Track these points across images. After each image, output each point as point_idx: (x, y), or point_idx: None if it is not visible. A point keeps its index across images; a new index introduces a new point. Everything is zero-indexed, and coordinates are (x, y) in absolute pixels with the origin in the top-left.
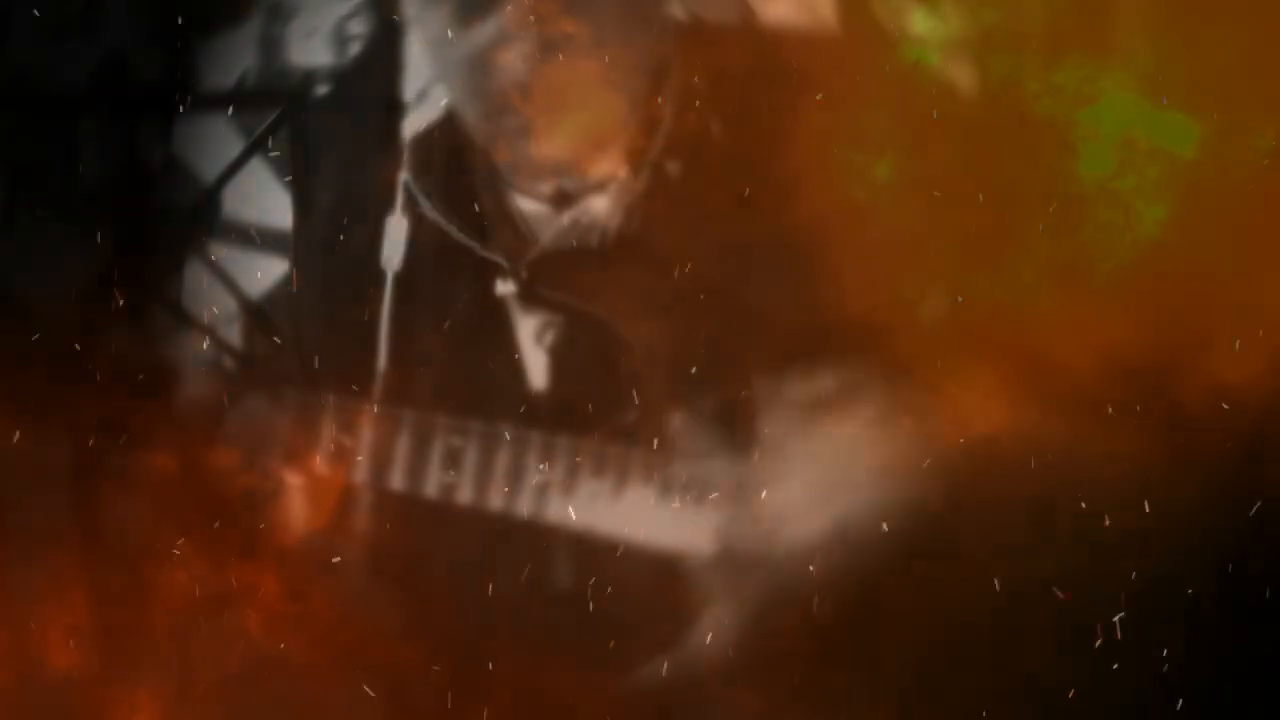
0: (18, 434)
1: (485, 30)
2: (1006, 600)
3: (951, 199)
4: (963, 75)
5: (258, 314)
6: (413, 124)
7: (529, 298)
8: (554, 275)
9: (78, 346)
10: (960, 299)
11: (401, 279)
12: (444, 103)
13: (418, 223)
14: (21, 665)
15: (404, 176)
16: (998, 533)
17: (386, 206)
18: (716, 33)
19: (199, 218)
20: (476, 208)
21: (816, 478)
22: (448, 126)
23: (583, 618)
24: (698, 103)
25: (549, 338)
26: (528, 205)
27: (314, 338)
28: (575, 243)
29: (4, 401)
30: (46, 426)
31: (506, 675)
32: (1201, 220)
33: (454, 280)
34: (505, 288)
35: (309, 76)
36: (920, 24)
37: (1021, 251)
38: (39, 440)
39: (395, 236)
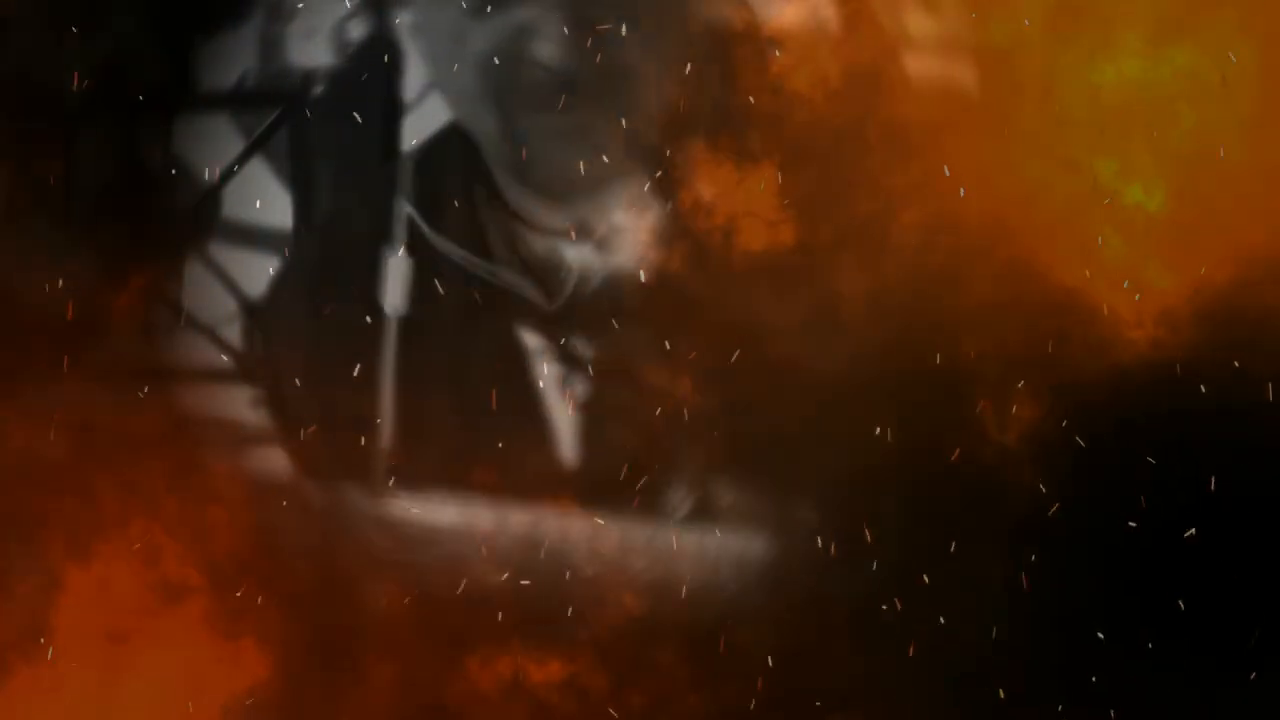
0: (18, 431)
1: (511, 19)
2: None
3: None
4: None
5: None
6: (413, 146)
7: (551, 348)
8: (576, 324)
9: (78, 346)
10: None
11: (405, 322)
12: (446, 119)
13: (422, 260)
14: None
15: (406, 209)
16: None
17: (386, 241)
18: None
19: (199, 218)
20: (487, 249)
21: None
22: (452, 151)
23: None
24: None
25: (575, 391)
26: (544, 244)
27: (304, 379)
28: (597, 286)
29: (4, 400)
30: (46, 425)
31: None
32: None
33: (464, 323)
34: (526, 336)
35: (309, 76)
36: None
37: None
38: (39, 438)
39: (397, 275)
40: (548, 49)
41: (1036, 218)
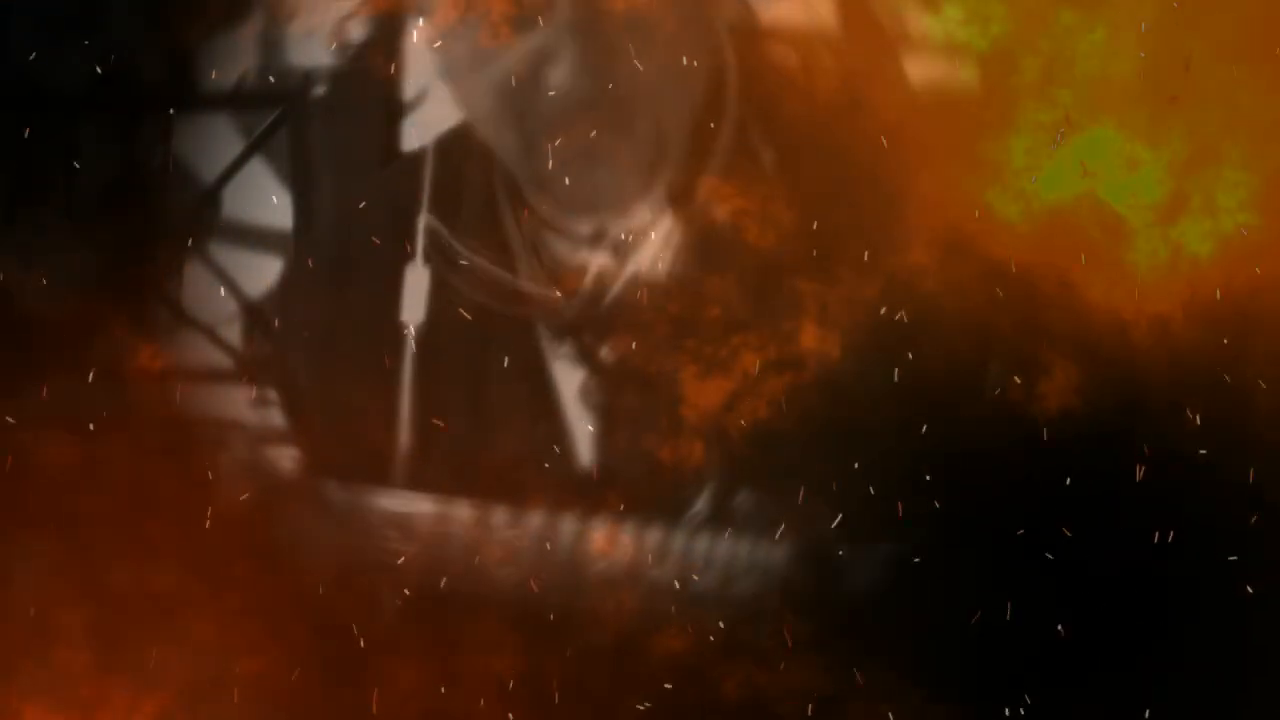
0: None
1: (526, 44)
2: None
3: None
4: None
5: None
6: (427, 144)
7: (574, 355)
8: (600, 330)
9: (78, 346)
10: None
11: (425, 335)
12: (457, 118)
13: (442, 271)
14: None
15: (426, 219)
16: None
17: (405, 252)
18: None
19: (199, 218)
20: (506, 251)
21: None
22: (472, 160)
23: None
24: (752, 136)
25: (596, 399)
26: (565, 248)
27: (322, 394)
28: (620, 292)
29: (3, 400)
30: (45, 424)
31: None
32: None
33: (486, 334)
34: (547, 343)
35: (309, 76)
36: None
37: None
38: (38, 438)
39: (417, 287)
40: (562, 74)
41: (1036, 219)
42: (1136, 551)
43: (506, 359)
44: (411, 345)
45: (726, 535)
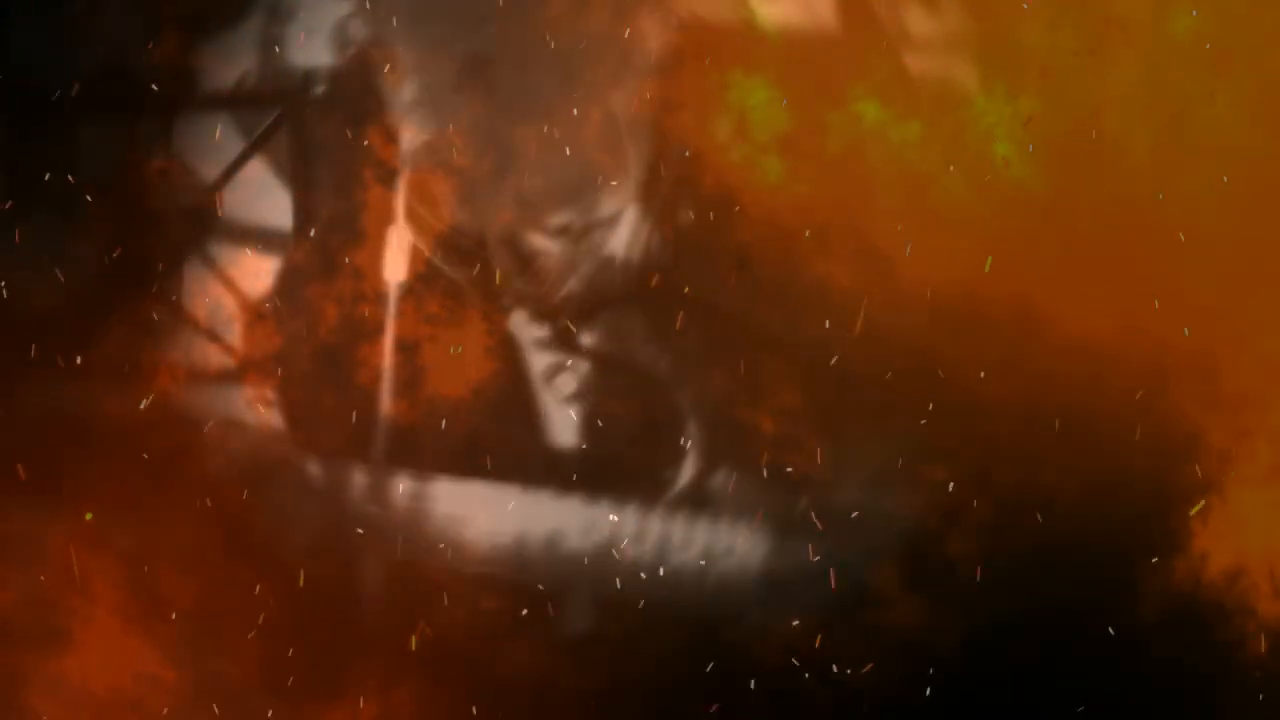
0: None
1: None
2: None
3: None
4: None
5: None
6: (409, 145)
7: (546, 336)
8: (571, 315)
9: (78, 346)
10: None
11: (407, 294)
12: (437, 124)
13: (421, 239)
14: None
15: (404, 201)
16: None
17: (386, 219)
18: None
19: (199, 218)
20: (483, 241)
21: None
22: (446, 147)
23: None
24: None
25: (565, 381)
26: (536, 240)
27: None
28: (586, 279)
29: (4, 400)
30: (46, 424)
31: None
32: None
33: (459, 312)
34: (518, 327)
35: (309, 76)
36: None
37: None
38: (39, 437)
39: (398, 250)
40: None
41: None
42: None
43: (482, 343)
44: (392, 302)
45: (705, 518)
